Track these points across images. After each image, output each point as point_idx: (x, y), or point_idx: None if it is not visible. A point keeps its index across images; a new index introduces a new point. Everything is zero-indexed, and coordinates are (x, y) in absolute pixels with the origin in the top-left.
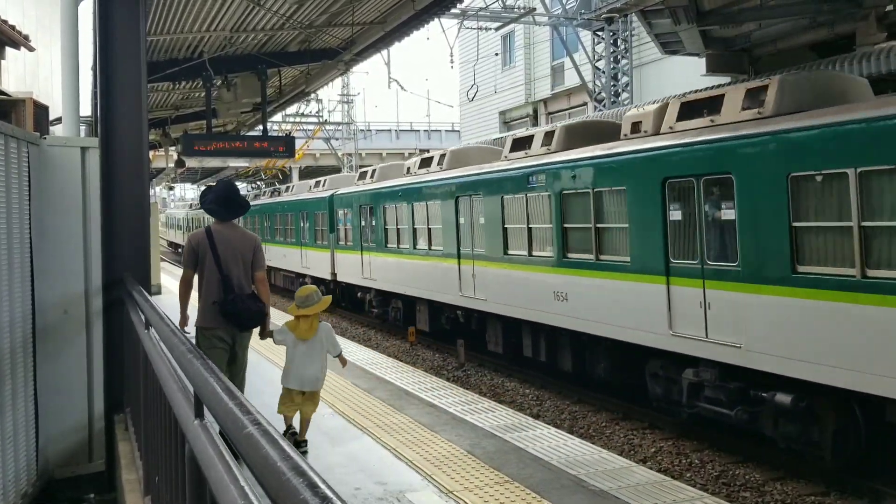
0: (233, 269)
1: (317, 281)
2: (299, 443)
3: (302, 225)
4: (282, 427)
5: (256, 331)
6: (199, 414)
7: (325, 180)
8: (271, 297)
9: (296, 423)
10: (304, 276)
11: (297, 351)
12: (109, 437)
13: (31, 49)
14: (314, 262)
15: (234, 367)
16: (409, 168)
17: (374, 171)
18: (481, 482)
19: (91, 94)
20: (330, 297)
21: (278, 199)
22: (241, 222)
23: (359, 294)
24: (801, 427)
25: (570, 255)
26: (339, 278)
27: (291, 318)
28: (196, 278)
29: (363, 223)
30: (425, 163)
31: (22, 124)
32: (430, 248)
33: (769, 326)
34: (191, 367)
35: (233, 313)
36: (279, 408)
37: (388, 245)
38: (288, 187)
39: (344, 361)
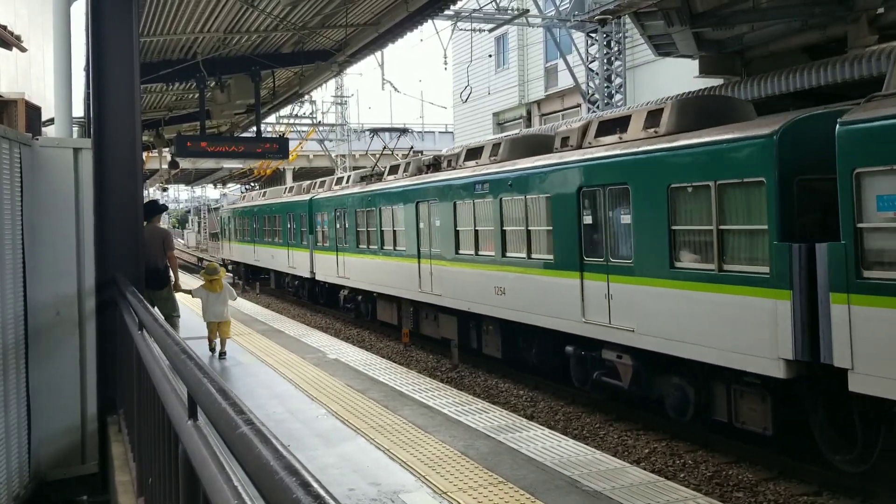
0: (150, 252)
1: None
2: (222, 353)
3: (227, 226)
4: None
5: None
6: (192, 414)
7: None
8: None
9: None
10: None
11: (210, 299)
12: (103, 438)
13: (23, 49)
14: (225, 249)
15: (163, 310)
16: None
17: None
18: (475, 483)
19: (84, 94)
20: (224, 269)
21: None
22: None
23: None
24: None
25: None
26: (232, 258)
27: (204, 282)
28: None
29: (239, 226)
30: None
31: (14, 125)
32: (273, 241)
33: None
34: (184, 368)
35: (147, 279)
36: (209, 336)
37: (256, 238)
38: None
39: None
